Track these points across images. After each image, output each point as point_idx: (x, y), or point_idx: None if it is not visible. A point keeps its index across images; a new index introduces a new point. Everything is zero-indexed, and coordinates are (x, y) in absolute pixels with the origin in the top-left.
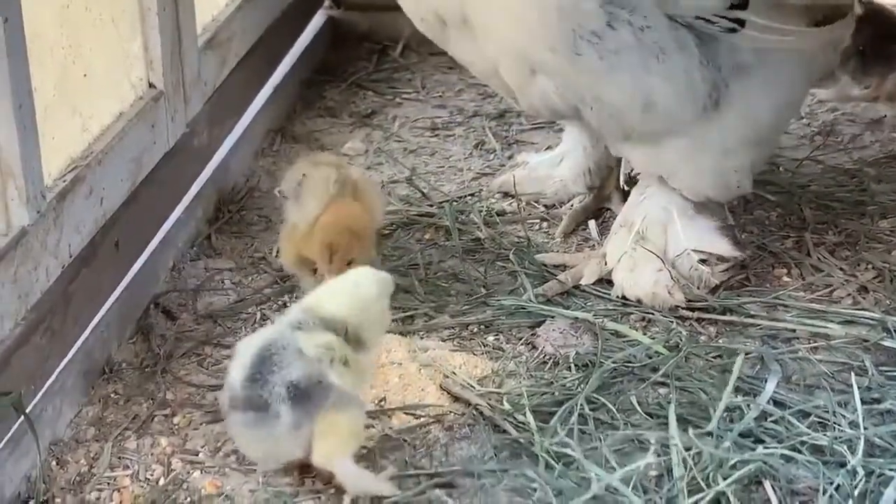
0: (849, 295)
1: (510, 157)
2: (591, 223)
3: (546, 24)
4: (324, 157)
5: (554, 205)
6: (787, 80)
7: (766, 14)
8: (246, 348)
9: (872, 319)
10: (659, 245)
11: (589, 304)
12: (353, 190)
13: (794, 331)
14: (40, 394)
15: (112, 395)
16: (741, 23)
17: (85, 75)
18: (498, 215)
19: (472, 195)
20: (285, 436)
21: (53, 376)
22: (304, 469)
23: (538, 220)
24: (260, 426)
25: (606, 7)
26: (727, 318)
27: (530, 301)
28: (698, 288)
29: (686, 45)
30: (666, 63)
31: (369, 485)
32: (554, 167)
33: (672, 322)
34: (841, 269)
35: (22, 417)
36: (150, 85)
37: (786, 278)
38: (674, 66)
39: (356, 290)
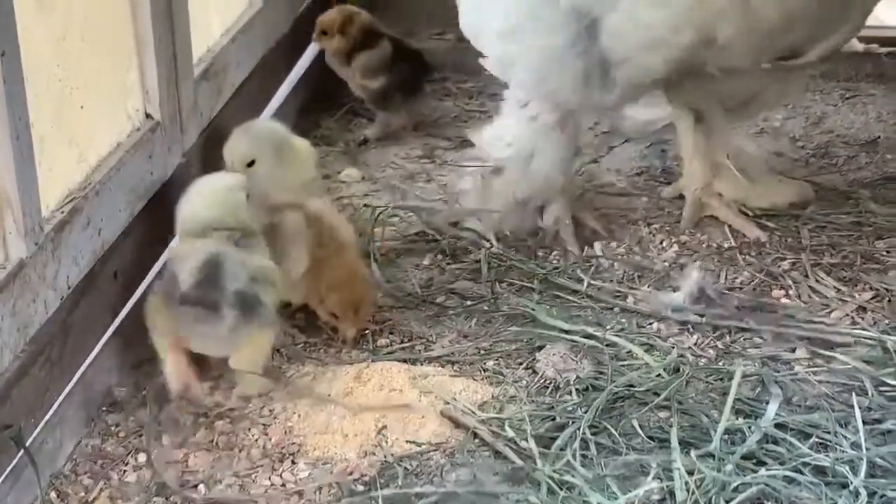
0: (847, 315)
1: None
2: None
3: None
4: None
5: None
6: None
7: None
8: (192, 254)
9: (871, 339)
10: None
11: (589, 328)
12: (316, 220)
13: (793, 352)
14: (40, 426)
15: (112, 427)
16: None
17: (82, 106)
18: (497, 239)
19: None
20: (225, 334)
21: (53, 408)
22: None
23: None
24: (207, 323)
25: None
26: (727, 339)
27: (532, 324)
28: None
29: None
30: None
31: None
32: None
33: (672, 346)
34: (839, 289)
35: (22, 451)
36: (147, 115)
37: (784, 300)
38: None
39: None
